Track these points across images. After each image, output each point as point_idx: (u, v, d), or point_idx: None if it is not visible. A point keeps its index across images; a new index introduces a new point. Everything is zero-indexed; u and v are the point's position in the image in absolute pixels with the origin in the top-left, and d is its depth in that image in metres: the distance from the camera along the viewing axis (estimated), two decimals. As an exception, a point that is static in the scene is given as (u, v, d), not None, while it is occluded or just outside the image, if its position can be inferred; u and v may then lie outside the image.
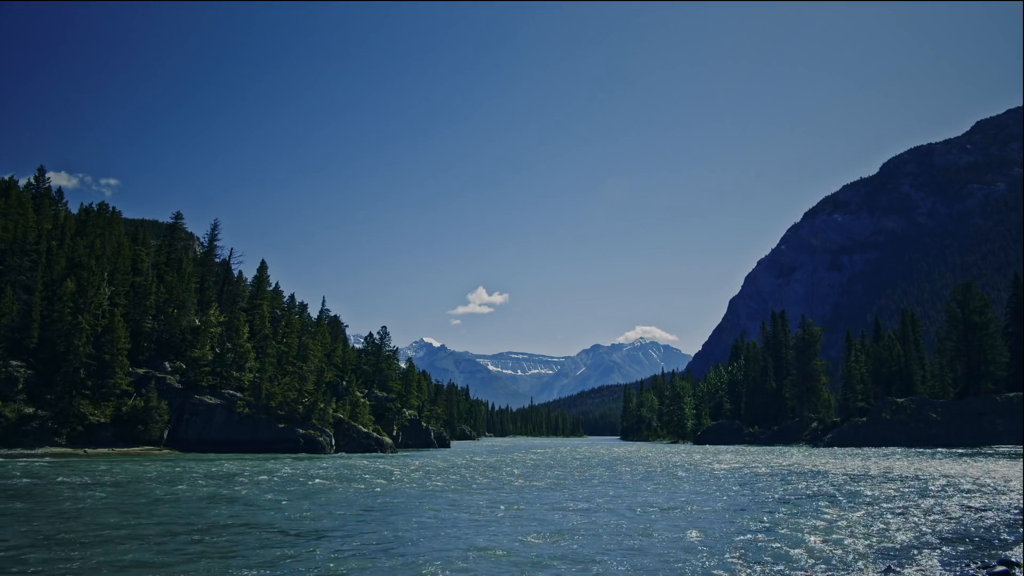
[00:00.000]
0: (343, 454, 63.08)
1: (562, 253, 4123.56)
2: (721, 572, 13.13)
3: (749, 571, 13.18)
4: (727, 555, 14.60)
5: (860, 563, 13.68)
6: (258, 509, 21.53)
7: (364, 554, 14.72)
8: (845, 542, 15.83)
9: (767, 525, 18.47)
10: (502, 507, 22.60)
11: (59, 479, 30.14)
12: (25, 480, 29.65)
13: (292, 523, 18.80)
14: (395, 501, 24.25)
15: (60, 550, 14.63)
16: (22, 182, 74.47)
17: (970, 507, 21.22)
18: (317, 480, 32.29)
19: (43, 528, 17.35)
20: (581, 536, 16.97)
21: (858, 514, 20.16)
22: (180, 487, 27.79)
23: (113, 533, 16.75)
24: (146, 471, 35.64)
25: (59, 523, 18.14)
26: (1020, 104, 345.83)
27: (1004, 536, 16.45)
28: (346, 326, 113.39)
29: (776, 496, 25.73)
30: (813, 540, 16.08)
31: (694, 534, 17.14)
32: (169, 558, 14.08)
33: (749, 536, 16.83)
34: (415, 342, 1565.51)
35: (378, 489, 28.46)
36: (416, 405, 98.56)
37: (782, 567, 13.47)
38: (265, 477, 33.33)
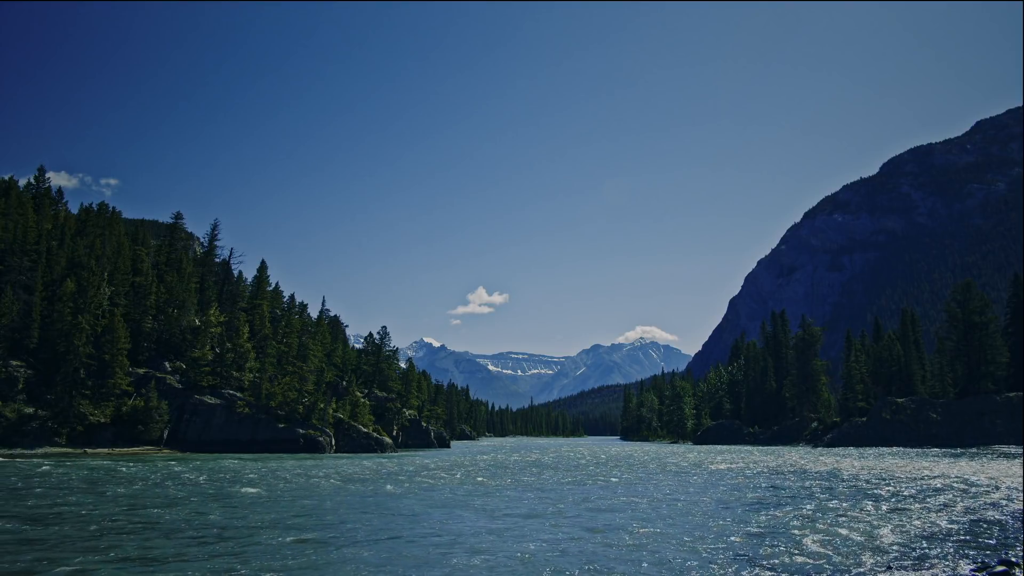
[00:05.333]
0: (343, 454, 63.07)
1: (562, 253, 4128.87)
2: (721, 571, 13.13)
3: (749, 570, 13.18)
4: (727, 555, 14.60)
5: (860, 562, 13.68)
6: (256, 509, 21.51)
7: (363, 554, 14.72)
8: (846, 541, 15.82)
9: (767, 525, 18.46)
10: (503, 509, 22.60)
11: (58, 479, 30.13)
12: (25, 480, 29.64)
13: (290, 522, 18.78)
14: (395, 501, 24.25)
15: (60, 550, 14.65)
16: (22, 182, 74.64)
17: (970, 507, 21.21)
18: (316, 480, 32.28)
19: (43, 528, 17.35)
20: (580, 538, 16.97)
21: (858, 514, 20.16)
22: (180, 487, 27.78)
23: (113, 533, 16.76)
24: (146, 471, 35.63)
25: (59, 523, 18.13)
26: (1020, 104, 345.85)
27: (1004, 536, 16.45)
28: (346, 326, 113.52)
29: (776, 496, 25.72)
30: (813, 540, 16.07)
31: (694, 534, 17.14)
32: (169, 557, 14.10)
33: (749, 536, 16.82)
34: (415, 342, 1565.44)
35: (378, 489, 28.45)
36: (416, 405, 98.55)
37: (782, 567, 13.47)
38: (265, 477, 33.32)
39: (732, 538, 16.57)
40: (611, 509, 22.11)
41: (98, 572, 12.97)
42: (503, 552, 15.01)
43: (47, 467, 36.80)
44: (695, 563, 13.82)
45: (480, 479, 34.26)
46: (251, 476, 33.64)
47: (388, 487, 29.34)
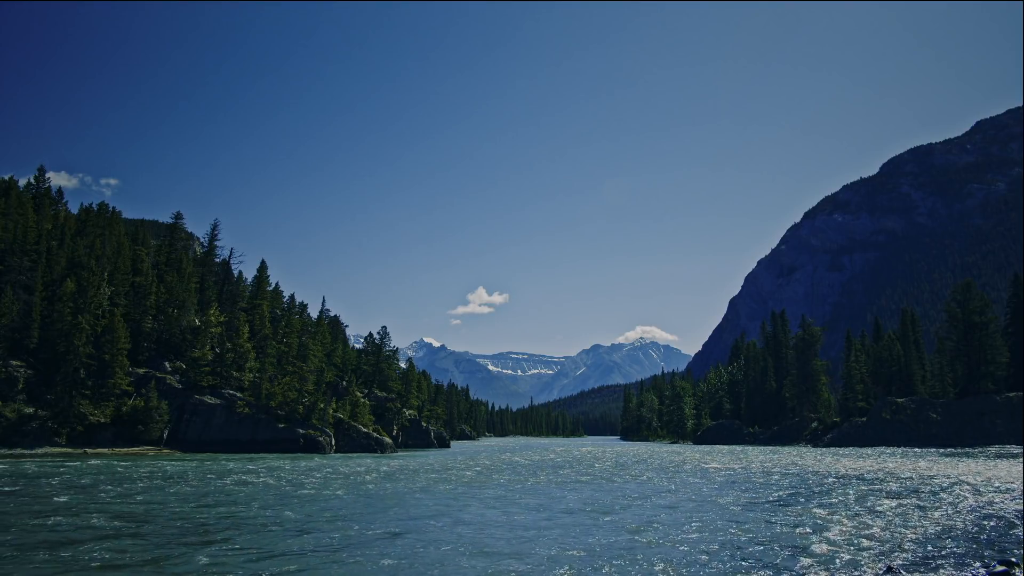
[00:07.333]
0: (343, 454, 63.07)
1: (562, 253, 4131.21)
2: (721, 572, 13.13)
3: (749, 570, 13.17)
4: (727, 555, 14.60)
5: (860, 562, 13.68)
6: (257, 509, 21.51)
7: (362, 555, 14.72)
8: (845, 542, 15.82)
9: (766, 525, 18.46)
10: (553, 506, 22.61)
11: (59, 479, 30.13)
12: (25, 480, 29.63)
13: (289, 523, 18.78)
14: (395, 501, 24.26)
15: (59, 550, 14.64)
16: (22, 182, 74.63)
17: (970, 507, 21.21)
18: (316, 480, 32.28)
19: (138, 525, 17.45)
20: (580, 539, 16.97)
21: (858, 514, 20.16)
22: (180, 487, 27.78)
23: (215, 529, 16.92)
24: (146, 471, 35.62)
25: (149, 520, 18.17)
26: (1020, 104, 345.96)
27: (1004, 536, 16.44)
28: (346, 326, 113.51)
29: (775, 496, 25.73)
30: (813, 540, 16.08)
31: (694, 534, 17.14)
32: (170, 554, 14.11)
33: (748, 536, 16.83)
34: (415, 342, 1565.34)
35: (376, 489, 28.46)
36: (416, 405, 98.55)
37: (782, 566, 13.47)
38: (265, 477, 33.32)
39: (730, 538, 16.58)
40: (651, 507, 22.50)
41: (228, 563, 13.51)
42: (580, 544, 15.52)
43: (46, 467, 36.78)
44: (696, 562, 13.84)
45: (507, 477, 34.59)
46: (249, 476, 33.64)
47: (424, 485, 29.40)
